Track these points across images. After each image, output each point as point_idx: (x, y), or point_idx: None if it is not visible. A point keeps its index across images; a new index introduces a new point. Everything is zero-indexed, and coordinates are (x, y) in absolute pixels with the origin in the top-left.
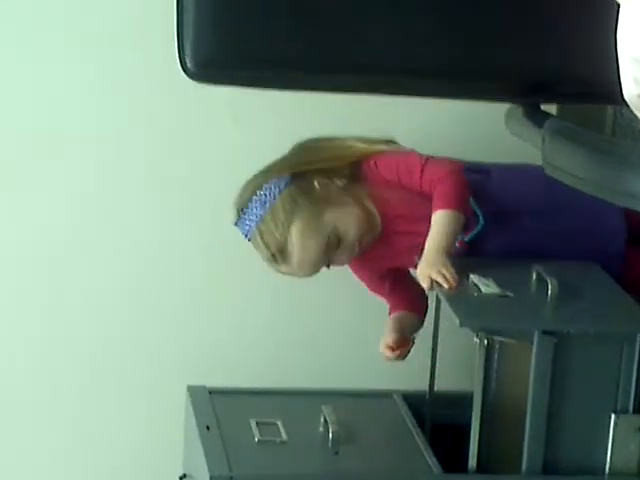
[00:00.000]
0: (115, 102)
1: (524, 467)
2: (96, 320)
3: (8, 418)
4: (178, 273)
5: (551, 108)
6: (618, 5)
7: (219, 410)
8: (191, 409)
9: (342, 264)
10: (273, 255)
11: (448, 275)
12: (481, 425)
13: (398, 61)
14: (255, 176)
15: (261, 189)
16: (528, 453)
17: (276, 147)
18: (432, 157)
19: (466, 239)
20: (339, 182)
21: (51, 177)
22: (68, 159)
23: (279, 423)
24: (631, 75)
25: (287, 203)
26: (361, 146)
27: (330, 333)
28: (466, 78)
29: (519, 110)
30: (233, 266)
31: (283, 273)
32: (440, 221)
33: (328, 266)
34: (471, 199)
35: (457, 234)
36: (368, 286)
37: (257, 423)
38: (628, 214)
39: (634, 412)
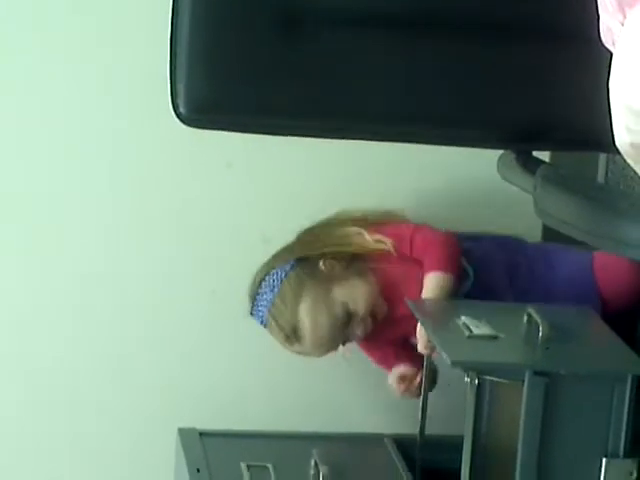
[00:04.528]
0: (104, 147)
1: None
2: (86, 362)
3: None
4: (169, 317)
5: (544, 153)
6: (611, 53)
7: (210, 452)
8: (181, 451)
9: (359, 340)
10: (287, 336)
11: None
12: (471, 468)
13: (385, 108)
14: (262, 265)
15: (269, 275)
16: None
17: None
18: (424, 225)
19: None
20: (343, 262)
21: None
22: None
23: (270, 466)
24: (623, 123)
25: (294, 284)
26: (364, 239)
27: (321, 376)
28: (457, 125)
29: (511, 156)
30: (225, 309)
31: (300, 354)
32: (431, 283)
33: (344, 343)
34: (463, 259)
35: (448, 295)
36: (374, 358)
37: (248, 466)
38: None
39: (625, 456)
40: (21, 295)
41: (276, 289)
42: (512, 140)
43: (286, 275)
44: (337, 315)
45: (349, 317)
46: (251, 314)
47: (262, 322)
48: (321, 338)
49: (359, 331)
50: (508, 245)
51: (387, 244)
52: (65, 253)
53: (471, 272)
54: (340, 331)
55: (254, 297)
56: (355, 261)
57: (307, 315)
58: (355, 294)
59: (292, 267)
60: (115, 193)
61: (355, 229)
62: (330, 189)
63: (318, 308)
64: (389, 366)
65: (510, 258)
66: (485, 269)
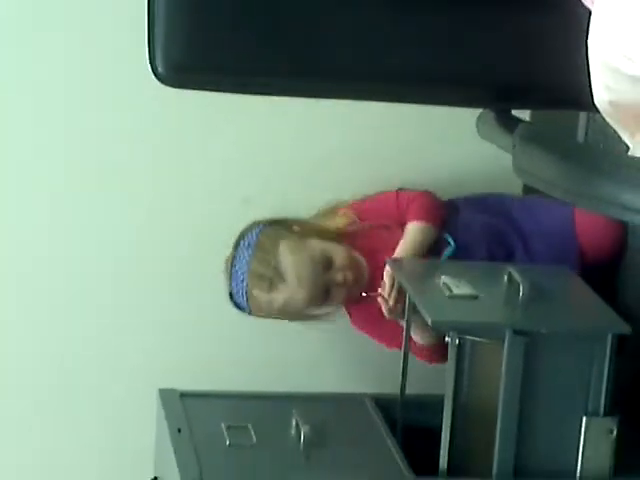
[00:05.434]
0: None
1: (495, 470)
2: (67, 323)
3: None
4: (150, 278)
5: (524, 112)
6: (590, 11)
7: (190, 413)
8: (162, 412)
9: (340, 296)
10: (271, 283)
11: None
12: (452, 427)
13: (367, 67)
14: (236, 238)
15: (243, 239)
16: (499, 456)
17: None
18: (401, 189)
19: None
20: (314, 230)
21: (33, 185)
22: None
23: (250, 427)
24: (602, 82)
25: (270, 234)
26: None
27: (301, 337)
28: (436, 84)
29: (490, 115)
30: (205, 270)
31: (284, 306)
32: (411, 232)
33: (327, 296)
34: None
35: (426, 246)
36: (381, 340)
37: (228, 427)
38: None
39: (605, 414)
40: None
41: (252, 243)
42: (491, 99)
43: (260, 231)
44: (316, 257)
45: (328, 264)
46: (230, 295)
47: (242, 294)
48: (303, 275)
49: (340, 277)
50: (489, 207)
51: (350, 218)
52: (48, 214)
53: (452, 241)
54: (321, 273)
55: (231, 266)
56: (327, 233)
57: (288, 253)
58: (330, 246)
59: (265, 225)
60: (98, 156)
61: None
62: (312, 151)
63: (297, 248)
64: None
65: (492, 220)
66: (465, 238)
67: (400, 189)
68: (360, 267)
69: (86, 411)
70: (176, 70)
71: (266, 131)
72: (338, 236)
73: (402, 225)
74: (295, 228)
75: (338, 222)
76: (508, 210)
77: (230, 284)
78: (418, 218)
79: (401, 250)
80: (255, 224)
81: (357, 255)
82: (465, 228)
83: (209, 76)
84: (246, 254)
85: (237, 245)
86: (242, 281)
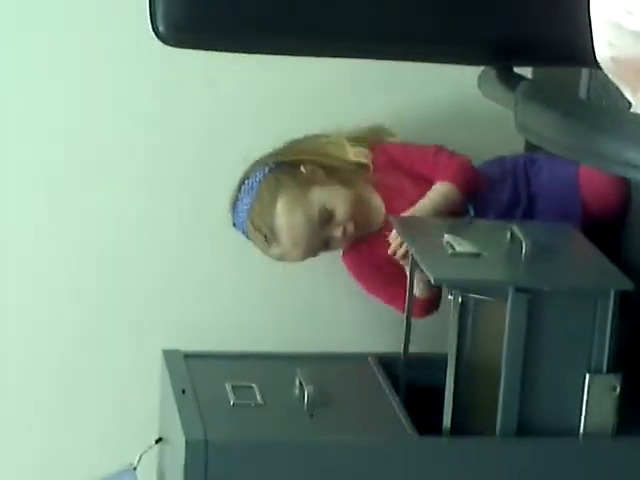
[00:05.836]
0: (85, 70)
1: (498, 427)
2: (70, 285)
3: None
4: (153, 238)
5: (526, 70)
6: None
7: (194, 374)
8: (166, 373)
9: (340, 246)
10: (265, 237)
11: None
12: (455, 386)
13: (367, 26)
14: (243, 172)
15: (248, 179)
16: (502, 414)
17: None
18: (443, 147)
19: None
20: (326, 170)
21: (26, 154)
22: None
23: (254, 386)
24: (604, 38)
25: (271, 185)
26: (344, 150)
27: (305, 296)
28: (438, 42)
29: (492, 72)
30: (208, 230)
31: (282, 257)
32: (436, 190)
33: (325, 248)
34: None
35: (447, 208)
36: (366, 286)
37: (232, 386)
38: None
39: (608, 372)
40: None
41: (254, 192)
42: (493, 56)
43: (264, 177)
44: (313, 215)
45: (327, 218)
46: (234, 225)
47: (243, 231)
48: (298, 237)
49: (338, 233)
50: (507, 175)
51: (367, 158)
52: (47, 214)
53: (472, 210)
54: (317, 231)
55: (234, 204)
56: (340, 171)
57: (283, 214)
58: (334, 197)
59: (270, 170)
60: (98, 154)
61: (336, 139)
62: (313, 108)
63: (294, 207)
64: (382, 297)
65: (512, 194)
66: (485, 213)
67: (440, 146)
68: (369, 209)
69: (90, 372)
70: (177, 29)
71: (269, 87)
72: (352, 175)
73: (427, 181)
74: (303, 171)
75: (352, 157)
76: (523, 177)
77: (233, 218)
78: (448, 179)
79: (421, 205)
80: (261, 164)
81: (370, 195)
82: (489, 204)
83: (209, 35)
84: (247, 200)
85: (242, 184)
86: (242, 223)
